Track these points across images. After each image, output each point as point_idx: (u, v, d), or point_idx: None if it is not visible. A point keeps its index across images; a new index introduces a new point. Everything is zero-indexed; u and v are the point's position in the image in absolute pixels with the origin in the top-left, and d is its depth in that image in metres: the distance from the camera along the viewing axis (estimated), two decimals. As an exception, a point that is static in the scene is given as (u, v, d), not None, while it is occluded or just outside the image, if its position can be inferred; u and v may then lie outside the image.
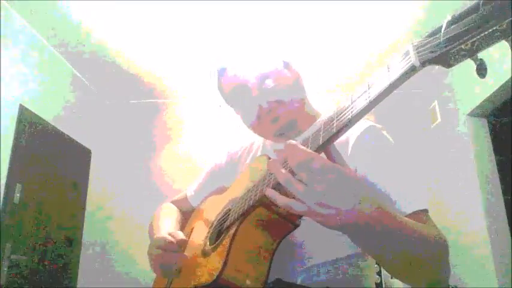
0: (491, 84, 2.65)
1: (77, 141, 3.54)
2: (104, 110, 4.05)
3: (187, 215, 1.17)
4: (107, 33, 3.04)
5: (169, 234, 0.89)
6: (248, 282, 0.70)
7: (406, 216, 0.71)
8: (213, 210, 0.98)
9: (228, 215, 0.84)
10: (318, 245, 0.82)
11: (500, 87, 2.56)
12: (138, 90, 3.92)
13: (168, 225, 1.05)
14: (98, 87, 3.89)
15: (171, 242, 0.86)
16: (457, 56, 0.45)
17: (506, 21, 0.40)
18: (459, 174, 3.21)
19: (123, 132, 4.03)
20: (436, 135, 3.60)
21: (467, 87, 2.95)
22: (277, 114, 0.93)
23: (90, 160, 3.80)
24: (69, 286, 3.34)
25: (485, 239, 2.83)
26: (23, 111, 2.81)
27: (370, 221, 0.57)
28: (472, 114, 3.03)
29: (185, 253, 0.95)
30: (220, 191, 1.06)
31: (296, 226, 0.74)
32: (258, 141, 1.10)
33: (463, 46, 0.44)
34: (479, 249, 2.91)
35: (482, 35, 0.42)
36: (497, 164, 2.94)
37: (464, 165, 3.10)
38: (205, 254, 0.84)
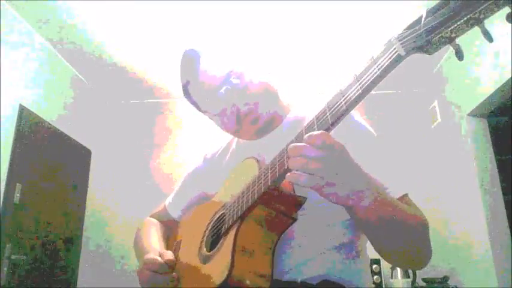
0: (491, 84, 2.65)
1: (77, 141, 3.54)
2: (104, 110, 4.05)
3: (170, 224, 1.15)
4: (107, 33, 3.04)
5: (160, 254, 0.89)
6: (256, 279, 0.71)
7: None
8: (200, 219, 0.97)
9: (224, 219, 0.83)
10: (308, 238, 0.83)
11: (500, 87, 2.56)
12: (139, 90, 3.92)
13: (154, 243, 1.04)
14: (98, 87, 3.89)
15: (161, 264, 0.86)
16: (437, 44, 0.51)
17: (478, 9, 0.46)
18: (459, 174, 3.21)
19: (123, 132, 4.03)
20: (436, 135, 3.60)
21: (467, 87, 2.95)
22: (257, 114, 0.92)
23: (90, 160, 3.80)
24: (69, 286, 3.34)
25: (485, 239, 2.82)
26: (23, 111, 2.81)
27: (373, 203, 0.63)
28: (472, 114, 3.03)
29: (179, 264, 0.94)
30: (203, 200, 1.05)
31: (294, 220, 0.76)
32: (233, 139, 1.10)
33: (442, 34, 0.49)
34: (479, 249, 2.91)
35: (458, 23, 0.48)
36: (497, 164, 2.94)
37: (464, 165, 3.10)
38: (205, 260, 0.83)
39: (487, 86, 2.68)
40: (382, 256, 0.78)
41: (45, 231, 3.04)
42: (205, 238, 0.89)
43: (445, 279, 3.14)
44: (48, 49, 3.18)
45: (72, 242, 3.42)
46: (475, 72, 2.78)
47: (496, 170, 2.93)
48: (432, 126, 3.65)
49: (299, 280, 0.80)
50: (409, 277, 3.13)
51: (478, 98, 2.84)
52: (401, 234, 0.71)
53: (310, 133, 0.60)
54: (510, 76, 2.39)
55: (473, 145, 3.01)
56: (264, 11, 2.79)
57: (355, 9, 2.79)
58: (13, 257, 2.63)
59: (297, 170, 0.61)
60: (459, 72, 3.08)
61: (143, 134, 4.01)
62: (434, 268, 3.28)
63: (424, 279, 3.16)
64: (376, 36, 3.08)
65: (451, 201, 3.36)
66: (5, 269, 2.56)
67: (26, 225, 2.82)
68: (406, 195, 0.81)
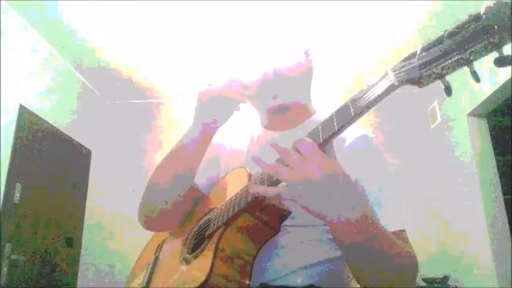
0: (491, 84, 2.65)
1: (77, 142, 3.54)
2: (104, 110, 4.05)
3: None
4: (107, 34, 3.04)
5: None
6: (233, 286, 0.72)
7: None
8: (184, 223, 0.97)
9: (209, 224, 0.84)
10: (294, 251, 0.82)
11: (500, 87, 2.56)
12: (139, 90, 3.92)
13: None
14: (98, 88, 3.89)
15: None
16: (429, 78, 0.55)
17: (468, 51, 0.50)
18: (459, 175, 3.21)
19: (123, 132, 4.03)
20: (436, 136, 3.60)
21: (467, 87, 2.95)
22: (279, 91, 0.91)
23: (90, 160, 3.80)
24: (69, 286, 3.35)
25: (485, 239, 2.82)
26: (23, 111, 2.82)
27: (354, 225, 0.63)
28: (472, 114, 3.03)
29: (160, 264, 0.93)
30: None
31: (277, 232, 0.77)
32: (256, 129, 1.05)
33: (433, 70, 0.53)
34: (479, 249, 2.91)
35: (449, 62, 0.52)
36: (497, 164, 2.94)
37: (464, 165, 3.10)
38: (185, 261, 0.84)
39: (487, 86, 2.68)
40: (355, 278, 0.76)
41: (45, 231, 3.04)
42: (188, 240, 0.89)
43: (445, 279, 3.15)
44: (49, 49, 3.18)
45: (72, 242, 3.42)
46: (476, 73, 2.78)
47: (496, 170, 2.93)
48: (432, 126, 3.65)
49: (287, 285, 0.80)
50: (409, 277, 3.12)
51: (478, 98, 2.84)
52: (378, 262, 0.69)
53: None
54: (510, 76, 2.40)
55: (473, 145, 3.01)
56: (255, 11, 2.77)
57: (354, 10, 2.79)
58: (13, 257, 2.63)
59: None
60: (459, 72, 3.07)
61: (143, 134, 4.00)
62: (435, 268, 3.28)
63: (424, 279, 3.16)
64: (374, 37, 3.09)
65: (451, 201, 3.36)
66: (5, 269, 2.56)
67: (26, 225, 2.82)
68: (402, 231, 0.79)
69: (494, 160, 2.95)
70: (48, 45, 3.16)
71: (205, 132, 0.89)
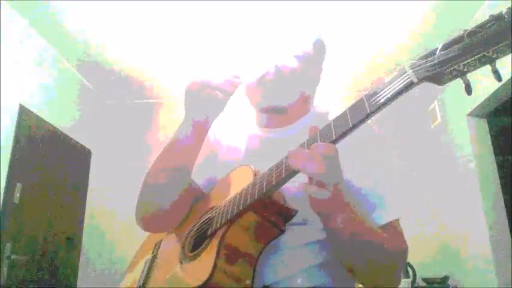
0: (491, 84, 2.64)
1: (77, 142, 3.54)
2: (104, 110, 4.05)
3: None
4: (107, 34, 3.04)
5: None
6: (236, 286, 0.71)
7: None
8: (185, 221, 0.95)
9: (211, 222, 0.82)
10: (294, 253, 0.82)
11: (500, 87, 2.56)
12: (139, 90, 3.92)
13: None
14: (99, 87, 3.89)
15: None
16: (449, 76, 0.55)
17: (492, 49, 0.50)
18: (459, 175, 3.21)
19: (123, 132, 4.03)
20: (436, 136, 3.60)
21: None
22: (279, 91, 0.89)
23: (90, 160, 3.80)
24: (69, 286, 3.34)
25: (485, 239, 2.82)
26: (23, 111, 2.82)
27: (340, 226, 0.68)
28: (472, 114, 3.03)
29: (158, 263, 0.92)
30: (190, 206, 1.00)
31: (282, 232, 0.75)
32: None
33: (455, 67, 0.53)
34: (479, 249, 2.91)
35: (471, 59, 0.52)
36: (497, 164, 2.94)
37: (464, 165, 3.10)
38: (186, 260, 0.82)
39: (487, 86, 2.68)
40: (348, 271, 0.79)
41: (45, 231, 3.04)
42: (188, 239, 0.87)
43: (445, 279, 3.14)
44: (49, 49, 3.18)
45: (72, 242, 3.42)
46: (475, 72, 2.78)
47: (496, 170, 2.93)
48: (432, 127, 3.65)
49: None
50: (409, 277, 3.13)
51: (478, 98, 2.84)
52: (367, 255, 0.73)
53: (316, 143, 0.62)
54: (510, 76, 2.39)
55: (473, 145, 3.01)
56: (255, 11, 2.77)
57: (356, 10, 2.79)
58: (13, 257, 2.63)
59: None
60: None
61: (143, 134, 4.00)
62: (435, 268, 3.28)
63: (424, 279, 3.16)
64: (374, 38, 3.09)
65: (451, 202, 3.36)
66: (5, 269, 2.56)
67: (26, 225, 2.82)
68: (397, 220, 0.82)
69: (494, 160, 2.95)
70: (48, 45, 3.16)
71: (197, 126, 0.86)
